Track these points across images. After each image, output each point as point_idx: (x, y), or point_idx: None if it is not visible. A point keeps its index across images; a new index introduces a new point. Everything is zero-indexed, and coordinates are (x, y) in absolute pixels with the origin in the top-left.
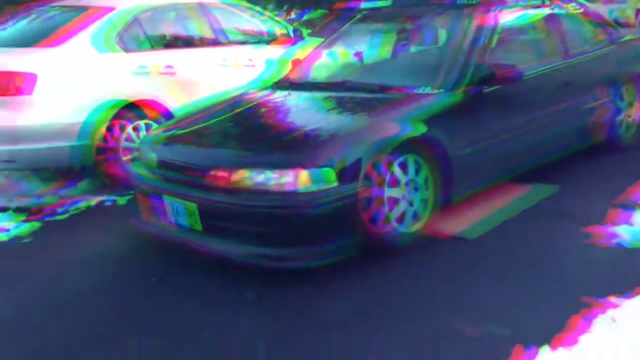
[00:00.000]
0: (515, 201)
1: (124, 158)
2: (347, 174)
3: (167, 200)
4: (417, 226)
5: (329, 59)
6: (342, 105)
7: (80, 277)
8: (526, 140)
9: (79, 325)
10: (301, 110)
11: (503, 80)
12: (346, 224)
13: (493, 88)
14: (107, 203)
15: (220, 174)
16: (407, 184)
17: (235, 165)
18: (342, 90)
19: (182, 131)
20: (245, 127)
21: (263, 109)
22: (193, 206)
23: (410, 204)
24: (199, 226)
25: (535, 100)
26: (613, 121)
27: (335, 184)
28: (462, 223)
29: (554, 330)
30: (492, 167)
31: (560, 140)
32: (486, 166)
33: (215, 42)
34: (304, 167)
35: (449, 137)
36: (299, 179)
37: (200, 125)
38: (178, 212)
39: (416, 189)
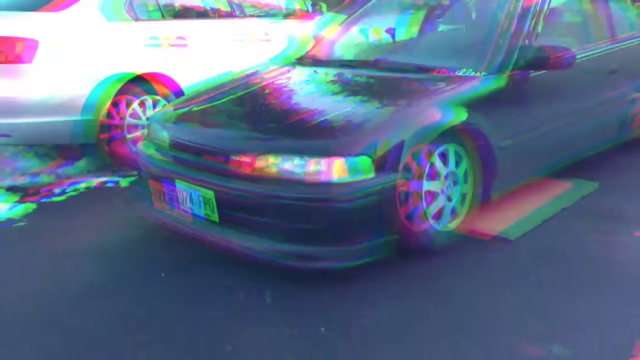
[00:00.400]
0: (554, 199)
1: (129, 136)
2: (386, 164)
3: (180, 185)
4: (454, 224)
5: (358, 35)
6: (376, 87)
7: (77, 269)
8: (570, 131)
9: (75, 329)
10: (331, 90)
11: (556, 64)
12: (383, 221)
13: (538, 73)
14: (109, 184)
15: (243, 158)
16: (447, 176)
17: (260, 150)
18: (374, 70)
19: (199, 108)
20: (271, 107)
21: (289, 88)
22: (210, 193)
23: (449, 199)
24: (215, 217)
25: (580, 88)
26: None
27: (373, 174)
28: (500, 221)
29: (623, 353)
30: (535, 160)
31: (601, 134)
32: (529, 159)
33: (230, 14)
34: (339, 154)
35: (493, 126)
36: (333, 168)
37: (219, 103)
38: (192, 199)
39: (455, 183)
